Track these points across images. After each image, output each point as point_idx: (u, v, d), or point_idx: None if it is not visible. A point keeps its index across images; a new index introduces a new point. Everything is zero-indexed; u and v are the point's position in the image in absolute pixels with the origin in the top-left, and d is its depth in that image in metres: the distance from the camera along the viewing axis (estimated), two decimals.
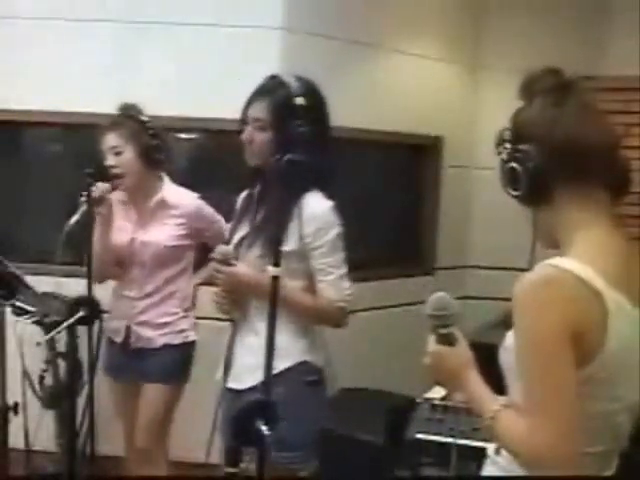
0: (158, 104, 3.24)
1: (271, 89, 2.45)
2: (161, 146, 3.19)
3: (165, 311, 3.22)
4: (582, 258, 1.48)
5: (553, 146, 1.51)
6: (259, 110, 2.44)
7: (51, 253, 3.36)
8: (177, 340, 3.24)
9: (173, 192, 3.23)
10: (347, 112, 3.85)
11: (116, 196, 3.20)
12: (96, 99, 3.70)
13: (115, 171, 3.11)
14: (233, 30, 3.80)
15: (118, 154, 3.12)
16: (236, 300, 2.51)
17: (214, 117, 3.67)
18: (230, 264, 2.46)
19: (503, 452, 1.58)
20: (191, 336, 3.28)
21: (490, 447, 1.67)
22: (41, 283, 3.27)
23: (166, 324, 3.23)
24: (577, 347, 1.42)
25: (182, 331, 3.26)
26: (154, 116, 3.23)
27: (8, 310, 3.15)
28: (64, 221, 2.98)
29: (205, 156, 4.12)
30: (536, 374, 1.44)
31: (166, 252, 3.19)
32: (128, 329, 3.22)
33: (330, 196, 2.47)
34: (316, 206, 2.41)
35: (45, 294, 3.17)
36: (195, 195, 3.29)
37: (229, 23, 3.80)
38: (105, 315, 3.25)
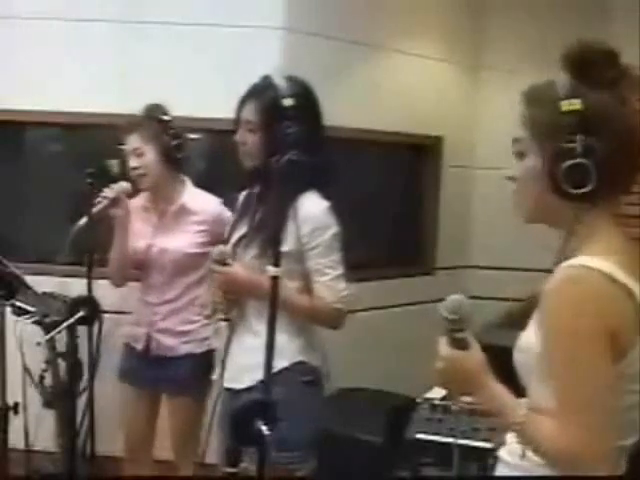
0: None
1: (260, 91, 2.44)
2: (182, 145, 3.15)
3: (186, 318, 3.14)
4: (604, 255, 1.46)
5: (620, 144, 1.46)
6: (249, 112, 2.44)
7: (51, 253, 3.37)
8: (199, 349, 3.16)
9: (195, 197, 3.17)
10: (347, 112, 3.86)
11: (138, 202, 3.19)
12: (96, 99, 3.70)
13: (137, 172, 3.09)
14: (233, 30, 3.79)
15: (140, 155, 3.09)
16: (233, 300, 2.50)
17: (214, 117, 3.66)
18: (226, 264, 2.45)
19: (529, 455, 1.53)
20: (213, 344, 3.17)
21: (502, 450, 1.63)
22: (41, 283, 3.27)
23: (188, 332, 3.15)
24: (613, 345, 1.41)
25: (204, 339, 3.17)
26: None
27: (8, 310, 3.15)
28: (64, 221, 2.98)
29: (205, 156, 4.12)
30: (573, 374, 1.42)
31: (186, 259, 3.12)
32: (148, 336, 3.14)
33: (327, 197, 2.46)
34: (312, 207, 2.40)
35: (45, 294, 3.18)
36: (218, 200, 3.21)
37: (229, 23, 3.80)
38: (118, 316, 3.25)
